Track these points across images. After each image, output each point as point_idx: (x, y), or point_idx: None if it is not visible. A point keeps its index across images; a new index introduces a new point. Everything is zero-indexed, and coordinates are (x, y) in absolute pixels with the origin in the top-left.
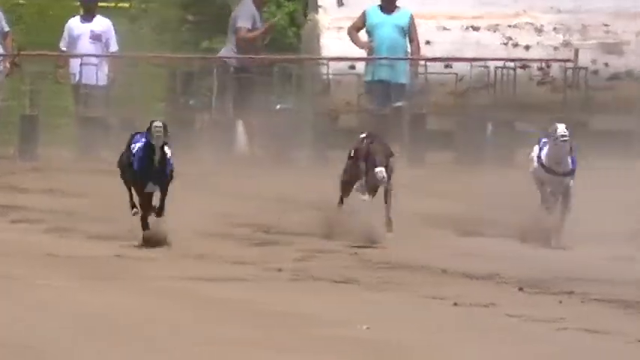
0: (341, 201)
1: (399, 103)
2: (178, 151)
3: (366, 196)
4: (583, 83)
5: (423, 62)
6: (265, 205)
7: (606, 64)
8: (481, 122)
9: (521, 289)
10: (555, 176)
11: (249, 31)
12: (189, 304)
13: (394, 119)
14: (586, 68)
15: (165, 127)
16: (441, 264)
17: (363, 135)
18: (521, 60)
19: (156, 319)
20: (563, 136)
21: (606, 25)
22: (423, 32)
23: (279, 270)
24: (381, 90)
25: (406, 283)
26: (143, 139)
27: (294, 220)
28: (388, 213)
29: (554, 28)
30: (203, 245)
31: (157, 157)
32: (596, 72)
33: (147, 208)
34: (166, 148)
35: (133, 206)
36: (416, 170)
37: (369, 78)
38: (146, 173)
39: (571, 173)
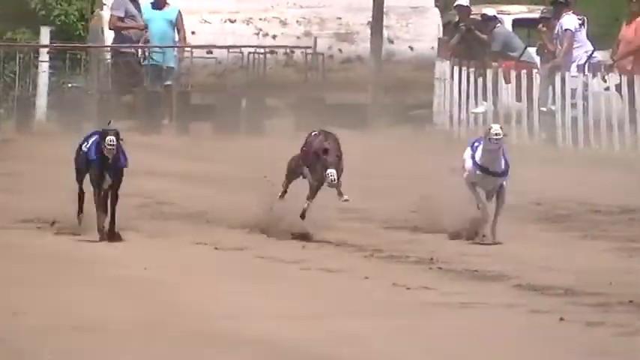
0: (282, 194)
1: (168, 82)
2: None
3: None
4: (321, 66)
5: (188, 49)
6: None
7: (340, 50)
8: (237, 98)
9: (269, 236)
10: (490, 176)
11: (119, 19)
12: None
13: (165, 95)
14: (323, 54)
15: (117, 136)
16: (206, 216)
17: (316, 132)
18: (269, 47)
19: None
20: (497, 134)
21: (339, 18)
22: (188, 24)
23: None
24: (154, 72)
25: (177, 232)
26: (95, 137)
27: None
28: (339, 193)
29: (297, 21)
30: None
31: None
32: (331, 57)
33: (102, 203)
34: (120, 141)
35: (80, 209)
36: (182, 138)
37: (145, 62)
38: (102, 166)
39: (505, 173)
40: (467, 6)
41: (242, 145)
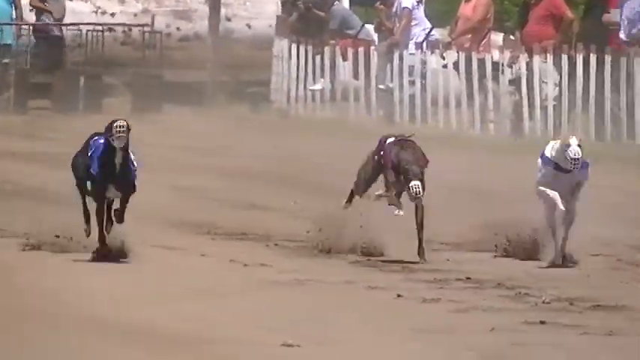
0: (349, 200)
1: (5, 60)
2: None
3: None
4: (159, 44)
5: (27, 27)
6: None
7: (178, 28)
8: (75, 76)
9: None
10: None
11: None
12: None
13: (2, 73)
14: (161, 32)
15: (128, 127)
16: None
17: (391, 139)
18: (107, 24)
19: None
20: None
21: None
22: (26, 2)
23: None
24: None
25: (18, 211)
26: (102, 141)
27: None
28: (421, 237)
29: None
30: None
31: (118, 160)
32: (169, 34)
33: (104, 217)
34: (130, 151)
35: (87, 221)
36: (21, 116)
37: None
38: (106, 177)
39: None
40: None
41: (80, 124)
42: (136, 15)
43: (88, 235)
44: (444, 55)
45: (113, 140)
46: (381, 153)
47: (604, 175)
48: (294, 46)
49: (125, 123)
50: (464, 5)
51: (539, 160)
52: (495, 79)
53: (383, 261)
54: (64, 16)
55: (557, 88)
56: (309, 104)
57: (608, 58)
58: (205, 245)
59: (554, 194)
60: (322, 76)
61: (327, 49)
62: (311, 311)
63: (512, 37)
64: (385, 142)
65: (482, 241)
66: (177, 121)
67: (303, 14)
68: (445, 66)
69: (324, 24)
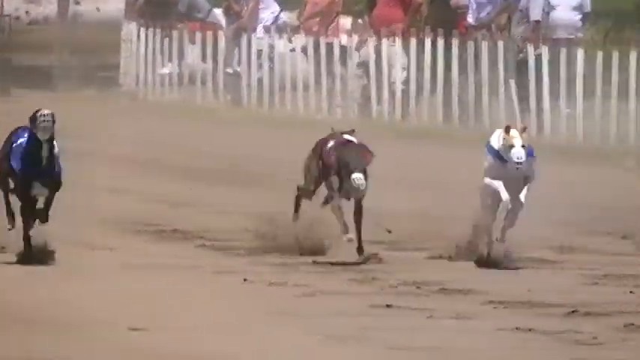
0: (296, 210)
1: None
2: None
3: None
4: (7, 27)
5: None
6: None
7: (27, 12)
8: None
9: None
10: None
11: None
12: None
13: None
14: (10, 15)
15: (53, 116)
16: None
17: (331, 144)
18: None
19: None
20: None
21: None
22: None
23: None
24: None
25: None
26: (26, 134)
27: None
28: (359, 236)
29: None
30: None
31: (44, 154)
32: (18, 18)
33: (30, 216)
34: (55, 144)
35: (11, 219)
36: None
37: None
38: (31, 173)
39: None
40: None
41: None
42: None
43: (11, 229)
44: (292, 39)
45: (37, 132)
46: (322, 159)
47: (449, 156)
48: (142, 30)
49: (50, 112)
50: None
51: (485, 149)
52: (344, 63)
53: (227, 247)
54: None
55: (406, 71)
56: (158, 88)
57: (455, 42)
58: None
59: (499, 184)
60: (170, 60)
61: (175, 33)
62: (160, 295)
63: (360, 20)
64: (324, 146)
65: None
66: (26, 104)
67: None
68: (293, 50)
69: (173, 7)
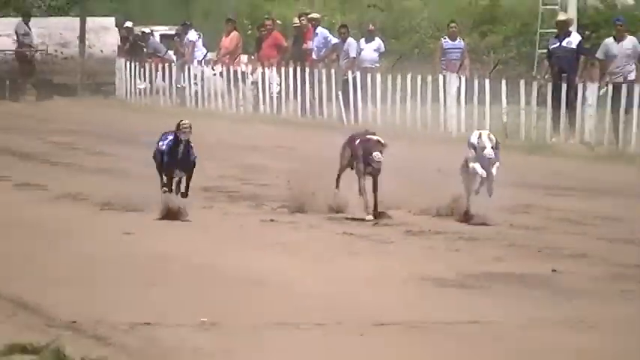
0: (337, 185)
1: None
2: None
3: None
4: (51, 60)
5: None
6: None
7: (62, 52)
8: None
9: None
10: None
11: None
12: None
13: None
14: (52, 53)
15: (190, 126)
16: None
17: (358, 140)
18: None
19: None
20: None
21: None
22: None
23: None
24: None
25: None
26: (170, 136)
27: None
28: (375, 203)
29: None
30: None
31: (181, 150)
32: (56, 55)
33: (171, 189)
34: (190, 142)
35: (164, 186)
36: None
37: None
38: (172, 163)
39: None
40: (142, 31)
41: None
42: None
43: (169, 192)
44: (214, 67)
45: (180, 135)
46: (352, 150)
47: (307, 137)
48: (127, 63)
49: (189, 123)
50: (224, 38)
51: (468, 145)
52: (243, 81)
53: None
54: None
55: (278, 86)
56: (137, 96)
57: (306, 69)
58: None
59: (477, 165)
60: (144, 79)
61: (146, 64)
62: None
63: (252, 57)
64: (354, 141)
65: None
66: (60, 104)
67: (132, 44)
68: (215, 74)
69: (144, 49)
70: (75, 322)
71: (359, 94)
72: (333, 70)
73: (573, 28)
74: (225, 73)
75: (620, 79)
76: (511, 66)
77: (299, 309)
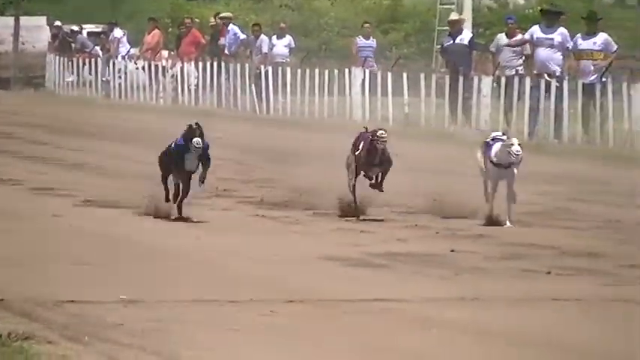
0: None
1: None
2: None
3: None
4: None
5: None
6: None
7: None
8: None
9: None
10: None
11: None
12: None
13: None
14: None
15: (207, 145)
16: None
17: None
18: None
19: None
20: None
21: None
22: None
23: None
24: None
25: None
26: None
27: None
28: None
29: None
30: None
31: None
32: None
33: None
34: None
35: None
36: None
37: None
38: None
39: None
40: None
41: None
42: None
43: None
44: (137, 62)
45: (192, 149)
46: (361, 143)
47: (224, 128)
48: (57, 58)
49: (200, 141)
50: (147, 35)
51: (484, 145)
52: (163, 75)
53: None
54: None
55: (196, 79)
56: (66, 88)
57: (222, 64)
58: None
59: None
60: (72, 72)
61: (74, 59)
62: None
63: (172, 52)
64: (363, 134)
65: None
66: None
67: (62, 40)
68: (137, 68)
69: (72, 45)
70: (2, 299)
71: (271, 86)
72: (247, 65)
73: (468, 26)
74: (147, 68)
75: (513, 72)
76: (412, 60)
77: (216, 286)
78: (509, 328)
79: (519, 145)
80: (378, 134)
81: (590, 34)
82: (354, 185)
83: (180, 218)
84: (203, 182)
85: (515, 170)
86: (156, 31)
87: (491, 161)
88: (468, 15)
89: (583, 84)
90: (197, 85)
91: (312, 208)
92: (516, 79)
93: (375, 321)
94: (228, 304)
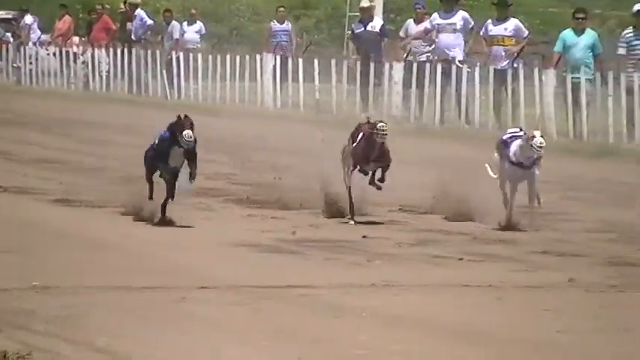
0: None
1: None
2: None
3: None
4: None
5: None
6: None
7: None
8: None
9: None
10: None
11: None
12: None
13: None
14: None
15: (195, 139)
16: None
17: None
18: None
19: None
20: (541, 144)
21: None
22: None
23: None
24: None
25: None
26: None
27: None
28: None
29: None
30: None
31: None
32: None
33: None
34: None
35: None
36: None
37: None
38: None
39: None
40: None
41: None
42: None
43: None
44: (48, 48)
45: (183, 143)
46: (361, 134)
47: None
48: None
49: (192, 135)
50: (58, 22)
51: (501, 141)
52: (75, 61)
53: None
54: None
55: (107, 65)
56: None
57: (133, 50)
58: None
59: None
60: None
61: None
62: None
63: (84, 38)
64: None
65: None
66: None
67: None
68: (49, 54)
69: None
70: None
71: (182, 72)
72: (157, 51)
73: (379, 12)
74: (58, 54)
75: (423, 58)
76: (323, 47)
77: (130, 272)
78: (421, 313)
79: (542, 137)
80: (377, 127)
81: (500, 19)
82: (349, 181)
83: (163, 220)
84: (194, 179)
85: (537, 171)
86: (67, 17)
87: (511, 161)
88: (379, 1)
89: (494, 70)
90: (108, 72)
91: (222, 195)
92: (427, 66)
93: (287, 306)
94: (140, 291)
